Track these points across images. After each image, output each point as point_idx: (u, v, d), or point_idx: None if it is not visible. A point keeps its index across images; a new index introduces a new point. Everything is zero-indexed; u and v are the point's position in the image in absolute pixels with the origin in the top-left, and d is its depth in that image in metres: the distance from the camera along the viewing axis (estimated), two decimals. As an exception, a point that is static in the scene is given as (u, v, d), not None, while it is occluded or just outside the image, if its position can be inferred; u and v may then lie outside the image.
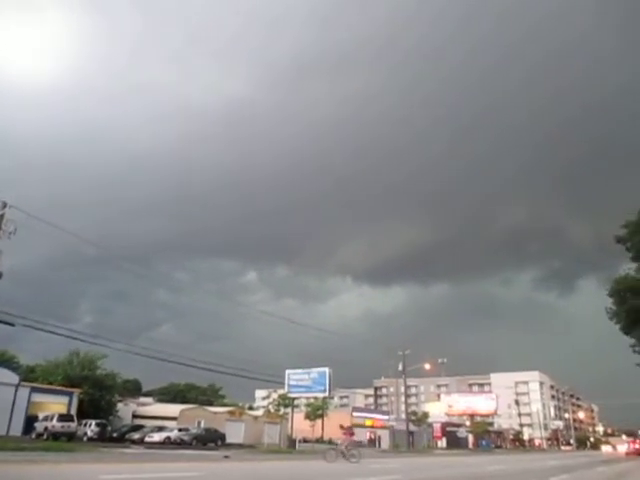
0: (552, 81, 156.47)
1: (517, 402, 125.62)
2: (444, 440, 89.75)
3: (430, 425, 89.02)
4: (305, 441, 57.26)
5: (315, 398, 63.14)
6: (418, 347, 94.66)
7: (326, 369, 54.62)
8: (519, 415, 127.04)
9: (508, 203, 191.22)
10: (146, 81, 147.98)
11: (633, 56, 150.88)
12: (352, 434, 29.78)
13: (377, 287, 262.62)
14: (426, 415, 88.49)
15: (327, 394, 57.19)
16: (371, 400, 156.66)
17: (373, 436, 77.17)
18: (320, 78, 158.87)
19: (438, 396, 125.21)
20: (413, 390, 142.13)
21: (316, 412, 66.04)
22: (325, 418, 65.54)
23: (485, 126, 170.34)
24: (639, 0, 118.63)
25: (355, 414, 78.95)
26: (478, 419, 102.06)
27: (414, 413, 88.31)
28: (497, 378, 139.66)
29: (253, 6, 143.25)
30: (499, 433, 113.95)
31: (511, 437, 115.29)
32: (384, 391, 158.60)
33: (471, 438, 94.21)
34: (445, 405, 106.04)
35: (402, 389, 74.68)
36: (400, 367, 62.58)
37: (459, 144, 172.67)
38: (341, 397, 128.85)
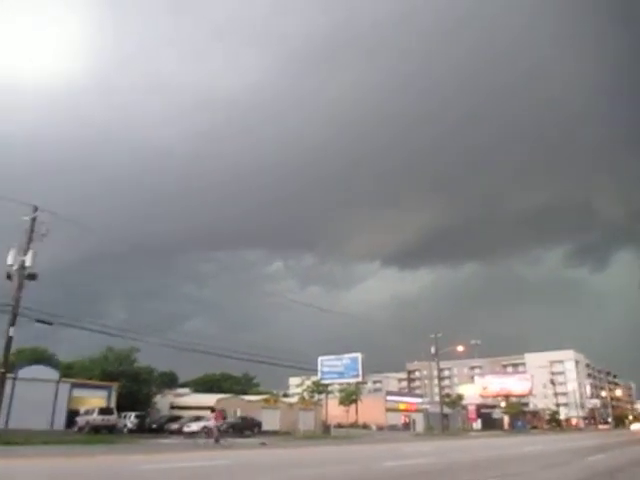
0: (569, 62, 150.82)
1: (552, 382, 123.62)
2: (479, 422, 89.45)
3: (464, 407, 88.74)
4: (340, 426, 57.81)
5: (348, 384, 63.48)
6: (449, 329, 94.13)
7: (358, 355, 54.70)
8: (555, 395, 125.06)
9: (534, 180, 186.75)
10: (153, 73, 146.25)
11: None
12: (224, 418, 29.22)
13: (405, 271, 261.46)
14: (460, 397, 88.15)
15: (360, 379, 57.43)
16: (404, 384, 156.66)
17: (407, 420, 77.37)
18: (329, 61, 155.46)
19: (472, 378, 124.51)
20: (446, 373, 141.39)
21: (350, 397, 66.46)
22: (359, 403, 65.97)
23: (506, 102, 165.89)
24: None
25: (389, 398, 79.19)
26: (513, 400, 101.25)
27: (448, 395, 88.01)
28: (531, 358, 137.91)
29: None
30: (535, 413, 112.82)
31: (547, 417, 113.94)
32: (417, 374, 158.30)
33: (506, 419, 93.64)
34: (479, 387, 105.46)
35: (435, 372, 74.50)
36: (433, 350, 62.35)
37: (473, 123, 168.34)
38: (374, 382, 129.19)
